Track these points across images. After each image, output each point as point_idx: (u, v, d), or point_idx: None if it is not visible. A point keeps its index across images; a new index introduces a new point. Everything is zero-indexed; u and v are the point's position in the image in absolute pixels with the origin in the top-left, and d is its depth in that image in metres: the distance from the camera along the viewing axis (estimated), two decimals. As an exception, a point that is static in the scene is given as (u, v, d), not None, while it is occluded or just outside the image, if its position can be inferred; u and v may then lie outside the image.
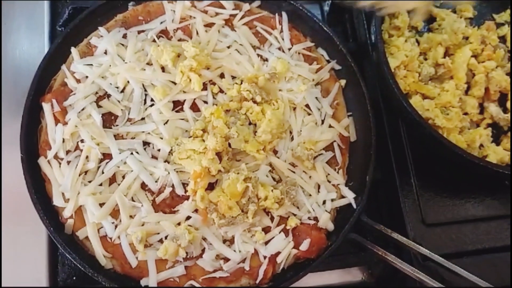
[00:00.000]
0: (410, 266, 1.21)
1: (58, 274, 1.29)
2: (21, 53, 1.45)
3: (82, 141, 1.20)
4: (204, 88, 1.29)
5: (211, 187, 1.21)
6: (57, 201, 1.16)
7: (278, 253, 1.18)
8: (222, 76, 1.33)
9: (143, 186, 1.19)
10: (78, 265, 1.11)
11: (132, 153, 1.21)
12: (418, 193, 1.35)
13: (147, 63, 1.29)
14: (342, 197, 1.29)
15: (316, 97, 1.36)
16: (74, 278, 1.29)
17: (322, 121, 1.34)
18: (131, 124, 1.24)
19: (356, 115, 1.38)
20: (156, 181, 1.20)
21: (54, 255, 1.31)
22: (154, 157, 1.23)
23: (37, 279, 1.27)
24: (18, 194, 1.19)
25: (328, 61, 1.42)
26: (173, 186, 1.20)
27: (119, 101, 1.25)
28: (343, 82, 1.41)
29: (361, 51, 1.49)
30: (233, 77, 1.34)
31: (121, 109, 1.25)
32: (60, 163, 1.19)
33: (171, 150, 1.21)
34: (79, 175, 1.17)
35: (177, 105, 1.28)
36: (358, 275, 1.42)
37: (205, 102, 1.29)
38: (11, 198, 1.30)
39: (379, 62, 1.29)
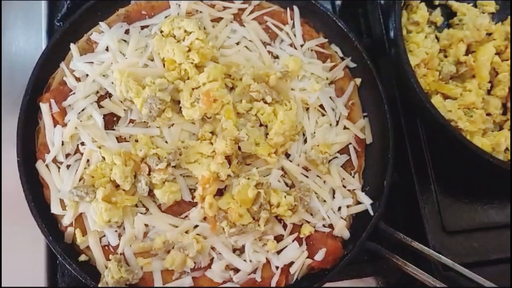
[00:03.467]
0: (431, 276, 1.15)
1: (58, 284, 1.24)
2: (17, 49, 1.40)
3: (82, 143, 1.16)
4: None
5: (219, 193, 1.16)
6: (55, 208, 1.12)
7: (291, 263, 1.14)
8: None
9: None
10: (79, 276, 1.07)
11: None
12: (438, 199, 1.30)
13: (149, 58, 1.23)
14: (358, 203, 1.24)
15: (330, 97, 1.30)
16: (75, 288, 1.24)
17: (337, 122, 1.29)
18: (133, 125, 1.19)
19: (372, 116, 1.33)
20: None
21: (53, 263, 1.26)
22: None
23: (36, 290, 1.22)
24: (15, 197, 1.15)
25: (343, 59, 1.37)
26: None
27: (121, 101, 1.20)
28: (358, 81, 1.35)
29: (376, 48, 1.43)
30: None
31: (124, 109, 1.20)
32: (59, 167, 1.15)
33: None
34: (79, 180, 1.13)
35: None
36: (373, 283, 1.37)
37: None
38: (6, 201, 1.26)
39: (398, 60, 1.23)
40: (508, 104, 1.37)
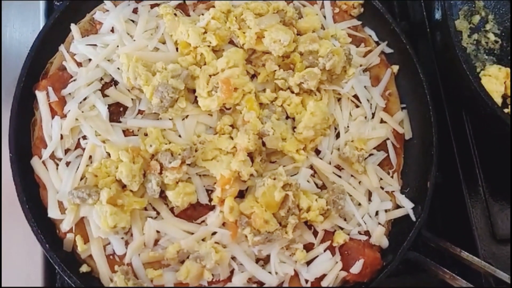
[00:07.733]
0: (484, 292, 1.04)
1: (56, 296, 1.18)
2: (12, 32, 1.34)
3: (84, 137, 1.09)
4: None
5: (241, 195, 1.08)
6: (53, 211, 1.05)
7: (323, 276, 1.06)
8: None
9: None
10: (79, 290, 1.01)
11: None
12: (487, 202, 1.21)
13: (160, 41, 1.15)
14: (397, 206, 1.15)
15: (365, 86, 1.21)
16: (76, 301, 1.16)
17: (373, 115, 1.20)
18: (142, 117, 1.11)
19: (412, 108, 1.24)
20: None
21: (51, 272, 1.19)
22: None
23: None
24: (7, 196, 1.11)
25: (378, 43, 1.27)
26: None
27: (128, 90, 1.12)
28: (395, 68, 1.26)
29: (414, 32, 1.35)
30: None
31: (131, 99, 1.12)
32: (57, 165, 1.07)
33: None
34: (81, 180, 1.05)
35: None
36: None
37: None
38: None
39: (446, 44, 1.12)
40: None
